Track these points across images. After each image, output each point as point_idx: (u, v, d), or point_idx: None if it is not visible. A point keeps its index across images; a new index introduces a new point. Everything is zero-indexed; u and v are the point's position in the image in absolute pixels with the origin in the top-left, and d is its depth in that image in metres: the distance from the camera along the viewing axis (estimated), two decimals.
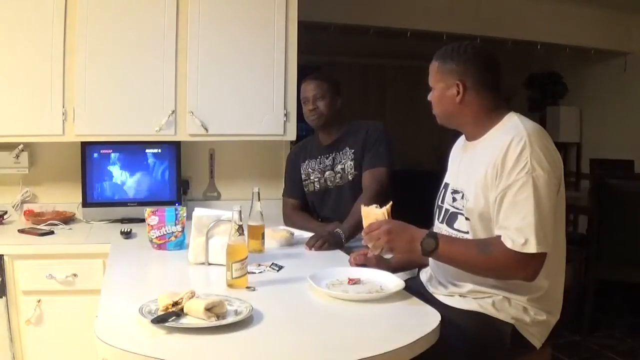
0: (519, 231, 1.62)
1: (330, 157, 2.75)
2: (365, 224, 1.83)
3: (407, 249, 1.76)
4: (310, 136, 2.95)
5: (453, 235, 1.82)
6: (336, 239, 2.42)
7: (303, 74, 2.92)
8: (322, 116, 2.72)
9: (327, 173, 2.75)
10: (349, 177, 2.70)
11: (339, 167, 2.72)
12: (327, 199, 2.77)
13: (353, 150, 2.70)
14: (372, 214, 1.83)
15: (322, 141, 2.80)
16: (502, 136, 1.72)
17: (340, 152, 2.73)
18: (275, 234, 2.46)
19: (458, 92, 1.79)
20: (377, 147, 2.66)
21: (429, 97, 1.88)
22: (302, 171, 2.84)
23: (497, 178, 1.67)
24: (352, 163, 2.69)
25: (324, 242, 2.37)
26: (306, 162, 2.84)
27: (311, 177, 2.81)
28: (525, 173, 1.63)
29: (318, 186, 2.79)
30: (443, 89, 1.82)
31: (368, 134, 2.69)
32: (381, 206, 1.84)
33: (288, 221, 2.80)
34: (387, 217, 1.80)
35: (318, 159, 2.79)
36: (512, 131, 1.70)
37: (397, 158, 2.74)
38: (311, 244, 2.37)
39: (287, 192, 2.93)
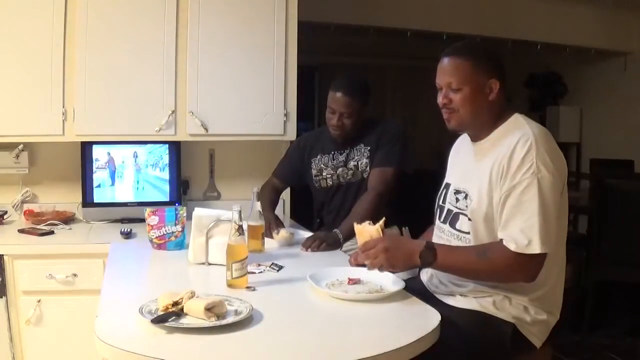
0: (522, 232, 1.61)
1: (345, 153, 2.70)
2: (359, 241, 1.81)
3: (407, 265, 1.75)
4: (323, 127, 2.84)
5: (455, 235, 1.82)
6: (334, 239, 2.40)
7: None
8: (345, 132, 2.64)
9: (339, 169, 2.70)
10: (364, 174, 2.65)
11: (351, 164, 2.68)
12: (337, 195, 2.74)
13: (369, 148, 2.65)
14: (366, 231, 1.80)
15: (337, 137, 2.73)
16: (508, 137, 1.72)
17: (355, 149, 2.68)
18: (276, 235, 2.46)
19: (491, 91, 1.76)
20: (389, 146, 2.61)
21: (444, 98, 1.79)
22: (313, 166, 2.79)
23: (502, 178, 1.67)
24: (367, 161, 2.64)
25: (321, 243, 2.36)
26: (318, 156, 2.78)
27: (323, 173, 2.75)
28: (530, 174, 1.63)
29: (330, 182, 2.74)
30: (476, 87, 1.75)
31: (384, 132, 2.65)
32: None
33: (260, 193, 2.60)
34: (381, 234, 1.78)
35: (331, 154, 2.73)
36: (518, 132, 1.70)
37: (410, 160, 2.68)
38: (308, 245, 2.36)
39: (277, 173, 2.89)
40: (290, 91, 2.95)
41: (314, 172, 2.79)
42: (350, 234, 2.44)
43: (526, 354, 1.78)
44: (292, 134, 2.98)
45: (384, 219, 1.83)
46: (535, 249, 1.60)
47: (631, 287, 3.81)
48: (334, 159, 2.73)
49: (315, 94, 6.40)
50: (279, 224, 2.57)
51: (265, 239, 2.36)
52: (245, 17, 2.88)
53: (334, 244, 2.39)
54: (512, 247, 1.62)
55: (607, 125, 5.82)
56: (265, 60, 2.90)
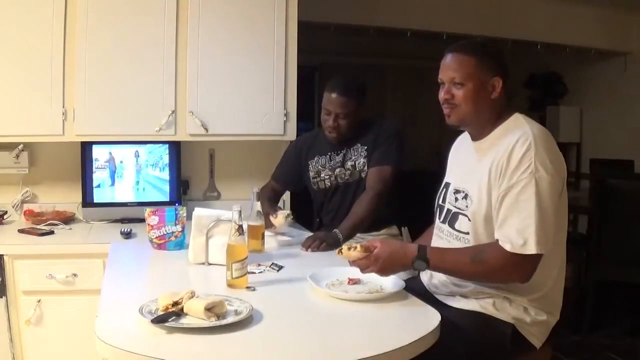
0: (518, 232, 1.61)
1: (341, 154, 2.69)
2: (349, 261, 1.79)
3: (404, 270, 1.81)
4: (319, 129, 2.82)
5: (454, 235, 1.82)
6: (334, 239, 2.39)
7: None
8: (340, 133, 2.63)
9: (337, 170, 2.69)
10: (361, 174, 2.64)
11: (349, 164, 2.66)
12: (336, 196, 2.73)
13: (366, 147, 2.64)
14: (351, 256, 1.76)
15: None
16: (508, 136, 1.72)
17: (352, 149, 2.67)
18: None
19: (494, 89, 1.77)
20: (387, 145, 2.60)
21: (446, 93, 1.79)
22: (310, 169, 2.77)
23: (500, 177, 1.67)
24: (364, 160, 2.63)
25: (321, 243, 2.35)
26: (315, 158, 2.76)
27: (321, 175, 2.74)
28: (528, 174, 1.63)
29: (329, 184, 2.73)
30: (479, 84, 1.75)
31: (380, 131, 2.64)
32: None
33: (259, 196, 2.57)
34: (365, 252, 1.74)
35: (328, 155, 2.72)
36: (518, 132, 1.70)
37: (407, 159, 2.67)
38: (307, 245, 2.35)
39: (275, 176, 2.89)
40: (290, 91, 2.95)
41: (311, 174, 2.78)
42: (350, 234, 2.45)
43: (526, 354, 1.78)
44: (292, 134, 2.98)
45: (358, 245, 1.78)
46: (531, 249, 1.60)
47: (631, 287, 3.81)
48: (331, 160, 2.73)
49: (315, 94, 6.40)
50: (277, 209, 2.58)
51: (266, 239, 2.36)
52: (246, 17, 2.88)
53: (334, 244, 2.37)
54: (508, 247, 1.62)
55: (607, 125, 5.82)
56: (265, 60, 2.90)
